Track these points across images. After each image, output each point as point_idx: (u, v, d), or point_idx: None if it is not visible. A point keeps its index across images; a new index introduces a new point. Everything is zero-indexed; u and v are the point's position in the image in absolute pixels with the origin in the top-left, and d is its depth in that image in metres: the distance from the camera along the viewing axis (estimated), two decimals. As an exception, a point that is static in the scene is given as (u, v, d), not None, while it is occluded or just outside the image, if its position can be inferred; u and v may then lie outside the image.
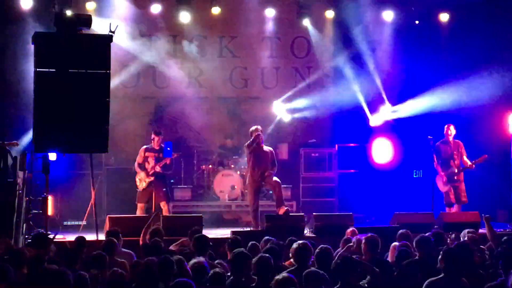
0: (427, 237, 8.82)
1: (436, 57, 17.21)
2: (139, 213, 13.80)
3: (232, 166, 16.43)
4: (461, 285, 7.18)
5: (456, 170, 14.51)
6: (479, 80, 16.32)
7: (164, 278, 6.97)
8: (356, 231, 10.77)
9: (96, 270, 7.44)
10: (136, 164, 14.09)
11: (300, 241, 8.09)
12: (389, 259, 9.07)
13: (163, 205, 13.90)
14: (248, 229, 13.78)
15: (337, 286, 7.05)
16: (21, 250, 8.33)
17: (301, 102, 17.33)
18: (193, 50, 17.17)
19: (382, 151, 17.04)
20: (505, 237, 8.55)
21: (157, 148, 14.07)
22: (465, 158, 14.58)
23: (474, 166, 14.46)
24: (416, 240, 8.68)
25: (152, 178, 13.90)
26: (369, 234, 8.86)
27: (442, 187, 14.63)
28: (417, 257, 8.47)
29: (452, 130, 14.63)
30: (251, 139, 13.63)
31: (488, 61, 16.58)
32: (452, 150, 14.62)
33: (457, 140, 14.73)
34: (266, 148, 13.76)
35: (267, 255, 7.37)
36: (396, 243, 9.26)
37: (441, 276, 7.22)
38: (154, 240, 9.45)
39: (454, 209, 14.56)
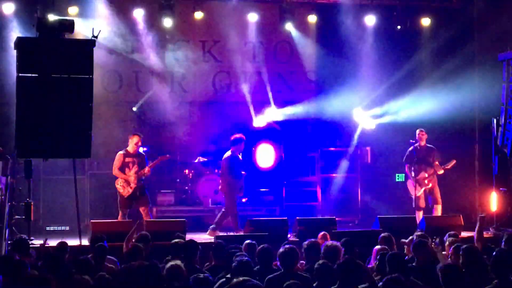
0: (424, 241, 8.88)
1: (417, 61, 17.31)
2: (121, 218, 13.71)
3: (216, 170, 16.42)
4: None
5: (426, 175, 14.69)
6: (460, 84, 16.48)
7: (151, 283, 6.95)
8: (328, 235, 10.83)
9: (81, 275, 7.41)
10: (116, 170, 13.90)
11: (287, 245, 8.11)
12: (371, 262, 9.11)
13: (142, 209, 13.82)
14: (231, 233, 13.80)
15: (335, 286, 7.07)
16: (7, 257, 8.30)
17: (285, 107, 17.36)
18: (176, 55, 17.16)
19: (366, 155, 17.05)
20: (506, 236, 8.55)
21: (134, 152, 13.99)
22: (437, 163, 14.77)
23: (443, 171, 14.70)
24: (413, 244, 8.77)
25: (141, 183, 13.84)
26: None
27: (413, 191, 14.82)
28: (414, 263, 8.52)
29: (424, 136, 14.81)
30: (239, 147, 13.80)
31: (469, 66, 16.75)
32: (423, 156, 14.82)
33: (430, 146, 14.95)
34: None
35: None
36: (378, 247, 9.31)
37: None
38: (135, 246, 9.42)
39: (434, 211, 14.72)
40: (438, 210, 14.70)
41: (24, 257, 8.65)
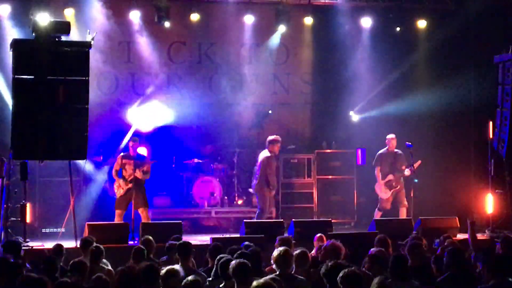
0: (418, 243, 8.91)
1: (413, 63, 17.34)
2: (117, 220, 13.74)
3: (212, 172, 16.43)
4: None
5: (393, 178, 15.11)
6: (456, 87, 16.52)
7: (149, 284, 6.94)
8: (324, 237, 10.83)
9: (77, 276, 7.40)
10: (113, 171, 14.08)
11: (282, 248, 8.09)
12: (367, 265, 9.10)
13: (141, 211, 13.84)
14: (228, 235, 13.80)
15: None
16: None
17: (280, 109, 17.37)
18: (172, 57, 17.17)
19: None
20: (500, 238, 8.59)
21: (133, 154, 14.02)
22: (403, 167, 15.19)
23: (410, 172, 15.03)
24: (408, 246, 8.79)
25: (130, 185, 13.85)
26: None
27: (381, 194, 15.28)
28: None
29: (393, 141, 15.25)
30: (273, 148, 14.38)
31: (465, 68, 16.80)
32: (392, 160, 15.28)
33: (398, 151, 15.32)
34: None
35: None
36: (374, 249, 9.30)
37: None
38: (137, 247, 9.47)
39: (400, 213, 15.10)
40: (403, 213, 15.09)
41: (15, 259, 8.65)
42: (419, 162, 15.15)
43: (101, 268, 8.80)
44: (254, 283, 6.36)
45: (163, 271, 7.21)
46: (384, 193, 15.19)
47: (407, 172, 15.06)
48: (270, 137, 14.70)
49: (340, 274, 6.51)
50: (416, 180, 15.06)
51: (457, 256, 8.04)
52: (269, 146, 14.60)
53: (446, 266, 8.05)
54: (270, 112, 16.99)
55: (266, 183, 14.50)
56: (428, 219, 13.86)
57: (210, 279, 7.95)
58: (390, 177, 15.16)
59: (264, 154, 14.63)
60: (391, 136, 15.32)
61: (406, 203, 15.12)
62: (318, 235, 10.98)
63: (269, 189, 14.55)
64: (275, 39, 17.35)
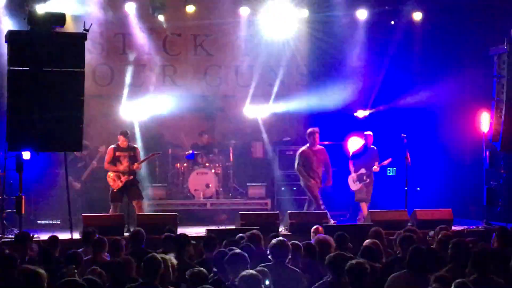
0: (409, 236, 8.94)
1: (409, 55, 17.34)
2: (112, 212, 13.74)
3: (207, 164, 16.44)
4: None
5: (365, 171, 15.39)
6: (451, 79, 16.54)
7: (149, 275, 6.97)
8: (320, 228, 10.85)
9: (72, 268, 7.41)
10: (106, 163, 14.06)
11: (279, 238, 8.12)
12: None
13: (136, 203, 13.87)
14: (223, 227, 13.82)
15: (329, 278, 7.11)
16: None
17: (276, 101, 17.37)
18: (168, 49, 17.15)
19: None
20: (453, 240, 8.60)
21: (125, 146, 14.03)
22: (376, 163, 15.53)
23: (378, 168, 15.55)
24: (400, 238, 8.83)
25: (131, 177, 13.88)
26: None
27: (352, 185, 15.62)
28: (400, 255, 8.58)
29: (370, 138, 15.54)
30: (312, 140, 14.54)
31: (460, 60, 16.80)
32: (367, 155, 15.56)
33: (373, 147, 15.59)
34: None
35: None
36: (368, 241, 9.33)
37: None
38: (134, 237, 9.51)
39: (362, 207, 15.34)
40: (364, 208, 15.24)
41: (25, 250, 8.70)
42: (390, 159, 15.56)
43: (104, 259, 8.79)
44: (243, 272, 6.55)
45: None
46: (354, 185, 15.52)
47: (376, 168, 15.47)
48: (308, 130, 14.82)
49: (347, 266, 6.70)
50: (418, 188, 15.43)
51: (461, 248, 8.08)
52: (308, 138, 14.69)
53: (451, 257, 8.10)
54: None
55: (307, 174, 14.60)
56: (422, 210, 13.88)
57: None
58: (362, 170, 15.39)
59: (303, 148, 14.77)
60: (368, 132, 15.56)
61: (369, 199, 15.43)
62: (315, 227, 10.99)
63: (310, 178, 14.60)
64: (270, 31, 17.32)
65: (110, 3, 16.04)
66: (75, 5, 15.39)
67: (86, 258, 8.66)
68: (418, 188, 15.50)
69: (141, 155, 14.35)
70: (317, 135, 14.64)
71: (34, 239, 10.62)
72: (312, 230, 10.84)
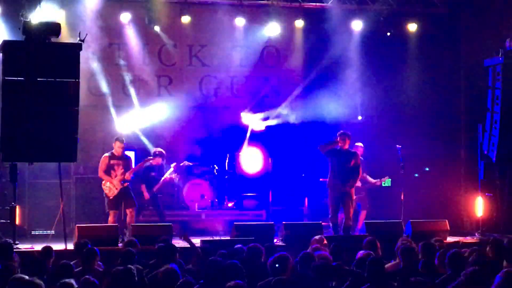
0: (411, 247, 8.92)
1: (403, 66, 17.37)
2: (111, 220, 13.71)
3: (202, 175, 16.42)
4: None
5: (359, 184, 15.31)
6: (447, 90, 16.58)
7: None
8: (324, 239, 10.76)
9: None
10: (101, 172, 13.99)
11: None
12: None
13: (130, 211, 13.88)
14: (218, 238, 13.78)
15: None
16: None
17: (272, 111, 17.35)
18: (163, 59, 17.15)
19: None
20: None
21: (119, 155, 14.03)
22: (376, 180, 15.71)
23: (380, 182, 15.73)
24: (401, 249, 8.81)
25: (126, 185, 13.88)
26: None
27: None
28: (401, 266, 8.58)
29: (360, 149, 15.38)
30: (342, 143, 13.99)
31: (455, 71, 16.85)
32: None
33: (361, 158, 15.19)
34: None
35: None
36: (362, 251, 9.30)
37: None
38: (127, 250, 9.42)
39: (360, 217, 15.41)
40: (363, 216, 15.47)
41: (7, 261, 8.59)
42: (386, 177, 15.69)
43: (95, 270, 8.74)
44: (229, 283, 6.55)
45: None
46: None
47: (377, 181, 15.63)
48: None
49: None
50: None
51: (458, 260, 8.06)
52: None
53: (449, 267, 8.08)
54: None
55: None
56: (418, 221, 13.88)
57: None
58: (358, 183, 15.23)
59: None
60: (359, 144, 15.51)
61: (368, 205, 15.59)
62: (318, 236, 10.84)
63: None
64: (266, 42, 17.34)
65: (106, 13, 16.04)
66: (70, 15, 15.41)
67: (77, 270, 8.60)
68: (427, 169, 15.47)
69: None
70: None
71: (29, 249, 10.58)
72: (316, 239, 10.66)
